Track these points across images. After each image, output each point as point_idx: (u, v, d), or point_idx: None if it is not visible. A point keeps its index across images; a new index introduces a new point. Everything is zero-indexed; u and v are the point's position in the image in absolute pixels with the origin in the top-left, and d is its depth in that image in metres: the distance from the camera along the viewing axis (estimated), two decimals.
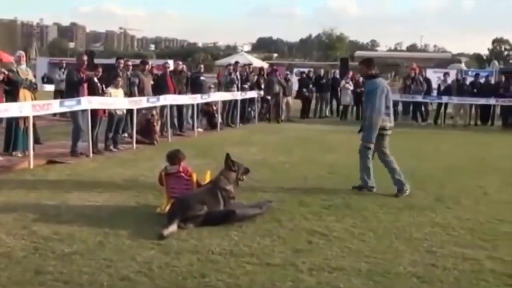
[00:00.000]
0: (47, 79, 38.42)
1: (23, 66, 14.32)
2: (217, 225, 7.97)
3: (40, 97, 15.51)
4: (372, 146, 10.83)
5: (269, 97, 25.88)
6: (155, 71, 21.49)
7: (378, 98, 10.68)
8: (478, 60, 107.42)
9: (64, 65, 27.20)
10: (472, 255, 7.02)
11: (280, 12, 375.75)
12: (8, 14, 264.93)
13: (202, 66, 24.65)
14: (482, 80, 28.43)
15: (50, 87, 30.42)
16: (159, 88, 18.64)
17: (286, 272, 6.30)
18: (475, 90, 26.92)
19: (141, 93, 17.44)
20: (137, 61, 20.94)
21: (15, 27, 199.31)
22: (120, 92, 15.57)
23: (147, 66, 18.73)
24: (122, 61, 17.48)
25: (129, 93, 16.68)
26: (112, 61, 19.54)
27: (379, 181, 10.88)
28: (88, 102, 13.72)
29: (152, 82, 18.68)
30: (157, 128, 17.29)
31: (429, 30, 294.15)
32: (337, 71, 34.18)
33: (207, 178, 9.27)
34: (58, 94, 23.90)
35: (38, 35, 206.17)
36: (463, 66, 58.29)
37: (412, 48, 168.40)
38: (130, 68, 17.77)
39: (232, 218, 8.16)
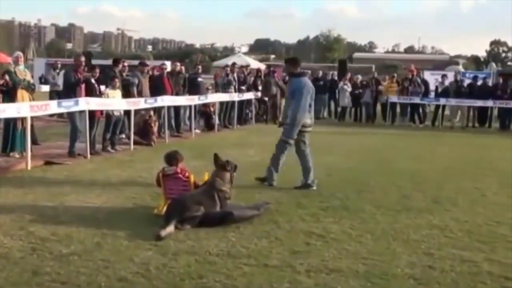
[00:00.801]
0: (44, 80, 38.36)
1: (21, 66, 14.30)
2: (214, 226, 7.98)
3: (37, 98, 15.49)
4: (292, 142, 11.17)
5: (266, 99, 25.89)
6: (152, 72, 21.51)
7: (304, 97, 11.01)
8: (475, 62, 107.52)
9: (59, 65, 27.15)
10: (470, 257, 7.03)
11: (278, 14, 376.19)
12: (6, 14, 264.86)
13: (199, 67, 24.62)
14: (479, 82, 28.43)
15: (48, 88, 30.34)
16: (156, 89, 18.63)
17: (284, 274, 6.30)
18: (473, 93, 26.93)
19: (139, 94, 17.45)
20: (135, 62, 20.93)
21: (13, 28, 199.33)
22: (117, 93, 15.57)
23: (146, 68, 18.74)
24: (126, 63, 17.55)
25: (127, 94, 16.63)
26: (109, 62, 19.52)
27: (378, 184, 10.88)
28: (86, 103, 13.71)
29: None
30: (155, 129, 17.29)
31: (427, 32, 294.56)
32: (335, 73, 34.20)
33: (205, 179, 9.26)
34: (54, 95, 23.91)
35: (35, 35, 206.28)
36: (460, 68, 58.29)
37: (409, 50, 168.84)
38: (126, 69, 17.74)
39: (230, 219, 8.18)
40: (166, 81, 19.26)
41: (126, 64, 17.97)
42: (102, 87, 15.29)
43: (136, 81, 17.55)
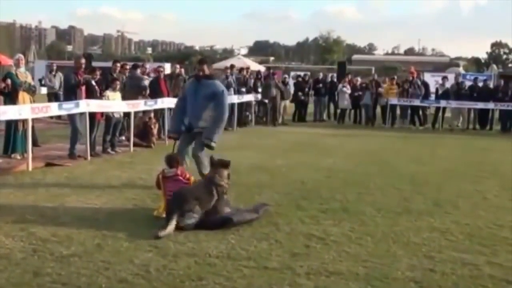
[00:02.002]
0: (45, 82, 38.37)
1: (22, 69, 14.32)
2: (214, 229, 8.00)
3: (38, 100, 15.51)
4: (215, 146, 10.55)
5: (266, 101, 25.90)
6: (151, 74, 21.54)
7: (226, 99, 10.78)
8: (476, 64, 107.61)
9: (55, 68, 27.10)
10: (471, 260, 7.02)
11: (277, 16, 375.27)
12: (7, 16, 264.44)
13: None
14: (480, 84, 28.41)
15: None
16: (153, 92, 18.66)
17: (283, 276, 6.31)
18: (474, 95, 26.92)
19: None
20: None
21: (14, 30, 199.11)
22: (118, 95, 15.59)
23: (138, 70, 18.73)
24: (118, 64, 17.51)
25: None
26: (110, 64, 19.58)
27: (378, 187, 10.88)
28: (86, 105, 13.73)
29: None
30: (155, 131, 17.31)
31: (427, 34, 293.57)
32: (335, 75, 34.19)
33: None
34: (52, 97, 23.94)
35: (36, 38, 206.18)
36: (461, 70, 58.34)
37: (409, 51, 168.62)
38: (117, 70, 17.67)
39: (230, 225, 8.18)
40: (162, 84, 19.21)
41: (118, 65, 17.87)
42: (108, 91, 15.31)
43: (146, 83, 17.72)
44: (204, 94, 10.59)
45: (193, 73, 10.73)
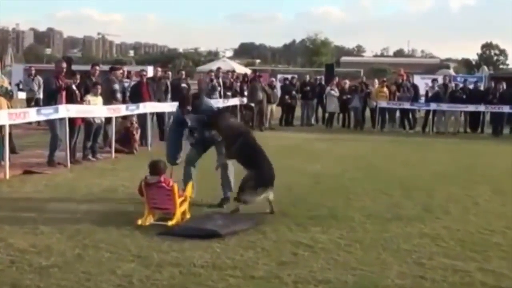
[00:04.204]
0: (23, 86, 38.18)
1: None
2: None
3: (15, 105, 15.44)
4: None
5: (253, 104, 25.87)
6: (134, 78, 21.49)
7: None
8: (467, 66, 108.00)
9: (33, 72, 26.88)
10: (462, 267, 7.05)
11: (263, 17, 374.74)
12: None
13: (183, 72, 24.50)
14: (471, 86, 28.51)
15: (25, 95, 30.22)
16: (135, 96, 18.62)
17: (271, 285, 6.32)
18: (464, 96, 26.96)
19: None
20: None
21: None
22: (99, 100, 15.54)
23: (118, 72, 18.62)
24: (97, 68, 17.42)
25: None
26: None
27: (367, 192, 10.88)
28: (66, 110, 13.68)
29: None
30: (137, 136, 17.26)
31: (416, 35, 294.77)
32: (322, 78, 34.18)
33: (189, 189, 9.28)
34: (31, 102, 23.82)
35: (13, 40, 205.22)
36: (451, 71, 58.55)
37: (399, 53, 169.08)
38: (96, 73, 17.45)
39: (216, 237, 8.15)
40: (144, 88, 19.15)
41: (97, 68, 17.73)
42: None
43: (117, 86, 17.50)
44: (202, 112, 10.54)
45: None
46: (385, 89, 27.68)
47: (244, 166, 9.99)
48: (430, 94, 27.74)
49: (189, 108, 10.47)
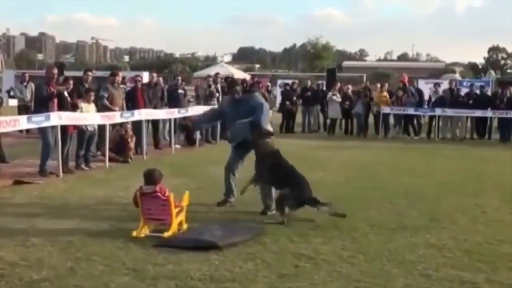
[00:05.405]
0: (14, 93, 38.22)
1: None
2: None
3: (6, 112, 15.43)
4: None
5: None
6: (128, 84, 21.47)
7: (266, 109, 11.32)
8: (473, 70, 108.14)
9: (27, 78, 26.91)
10: (470, 279, 7.03)
11: (262, 20, 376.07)
12: None
13: (179, 78, 24.47)
14: (477, 91, 28.48)
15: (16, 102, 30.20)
16: (130, 102, 18.61)
17: None
18: (470, 102, 26.93)
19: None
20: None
21: None
22: (92, 107, 15.54)
23: (117, 78, 18.60)
24: (90, 74, 17.37)
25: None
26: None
27: (371, 201, 10.86)
28: (58, 118, 13.66)
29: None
30: (132, 144, 17.23)
31: (421, 39, 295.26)
32: (324, 83, 34.17)
33: (186, 199, 9.25)
34: (23, 110, 23.76)
35: (4, 46, 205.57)
36: (457, 76, 58.62)
37: (403, 57, 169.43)
38: (89, 79, 17.32)
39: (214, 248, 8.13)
40: (139, 94, 19.12)
41: (90, 74, 17.66)
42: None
43: (106, 94, 17.37)
44: (245, 109, 11.01)
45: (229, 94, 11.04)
46: (384, 93, 27.66)
47: (275, 187, 10.42)
48: (433, 99, 27.74)
49: (238, 88, 10.66)
